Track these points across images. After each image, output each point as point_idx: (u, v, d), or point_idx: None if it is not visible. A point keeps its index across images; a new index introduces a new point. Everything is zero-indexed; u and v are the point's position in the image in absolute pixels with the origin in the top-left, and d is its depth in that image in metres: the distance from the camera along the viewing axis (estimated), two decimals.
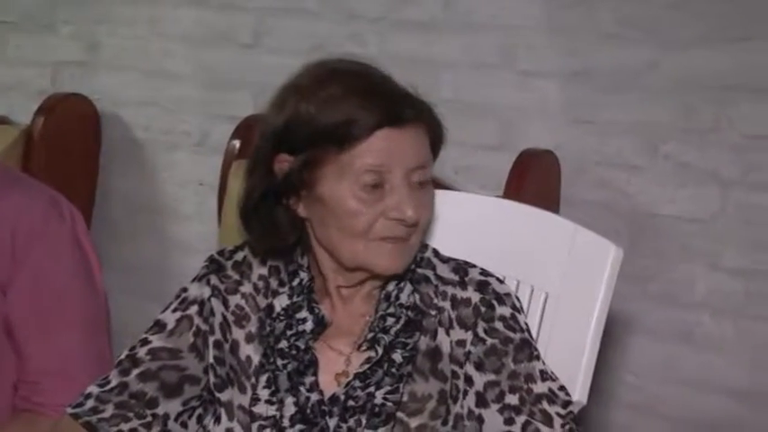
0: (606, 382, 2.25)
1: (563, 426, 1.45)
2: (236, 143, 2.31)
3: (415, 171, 1.43)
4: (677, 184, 2.23)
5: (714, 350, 2.24)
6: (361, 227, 1.43)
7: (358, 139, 1.40)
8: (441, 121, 1.49)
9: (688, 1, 2.14)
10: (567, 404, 1.47)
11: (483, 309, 1.51)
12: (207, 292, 1.58)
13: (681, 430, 2.29)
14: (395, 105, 1.41)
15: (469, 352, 1.50)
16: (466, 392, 1.48)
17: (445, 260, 1.56)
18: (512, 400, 1.47)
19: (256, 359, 1.52)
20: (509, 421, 1.46)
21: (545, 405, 1.47)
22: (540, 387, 1.48)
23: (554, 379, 1.49)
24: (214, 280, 1.58)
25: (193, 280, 1.60)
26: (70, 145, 2.90)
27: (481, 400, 1.48)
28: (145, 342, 1.55)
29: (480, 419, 1.47)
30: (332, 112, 1.42)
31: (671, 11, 2.16)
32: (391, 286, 1.52)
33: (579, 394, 1.59)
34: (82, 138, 2.93)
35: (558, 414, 1.46)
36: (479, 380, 1.48)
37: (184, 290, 1.58)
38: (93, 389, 1.54)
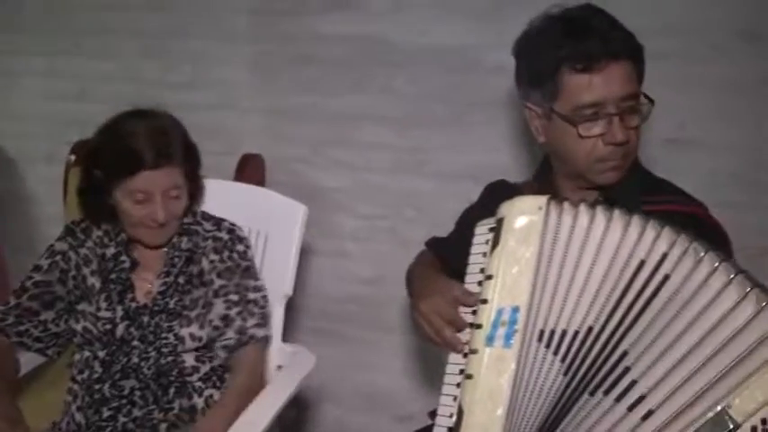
0: (305, 284, 2.40)
1: (259, 316, 1.66)
2: (72, 157, 2.41)
3: (168, 191, 1.58)
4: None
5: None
6: (135, 221, 1.60)
7: (133, 174, 1.54)
8: (196, 151, 1.65)
9: None
10: (263, 306, 1.69)
11: (229, 243, 1.70)
12: (66, 246, 1.72)
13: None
14: (154, 155, 1.53)
15: (216, 266, 1.67)
16: (210, 290, 1.66)
17: (208, 218, 1.76)
18: (233, 298, 1.65)
19: (97, 285, 1.67)
20: (228, 309, 1.64)
21: (251, 306, 1.66)
22: (251, 295, 1.68)
23: (261, 290, 1.70)
24: (69, 239, 1.72)
25: (57, 239, 1.73)
26: None
27: (215, 295, 1.65)
28: (29, 278, 1.70)
29: (211, 305, 1.65)
30: (119, 155, 1.54)
31: None
32: (175, 239, 1.68)
33: (287, 289, 1.79)
34: None
35: (257, 312, 1.67)
36: (217, 283, 1.66)
37: (52, 245, 1.73)
38: (0, 308, 1.68)
